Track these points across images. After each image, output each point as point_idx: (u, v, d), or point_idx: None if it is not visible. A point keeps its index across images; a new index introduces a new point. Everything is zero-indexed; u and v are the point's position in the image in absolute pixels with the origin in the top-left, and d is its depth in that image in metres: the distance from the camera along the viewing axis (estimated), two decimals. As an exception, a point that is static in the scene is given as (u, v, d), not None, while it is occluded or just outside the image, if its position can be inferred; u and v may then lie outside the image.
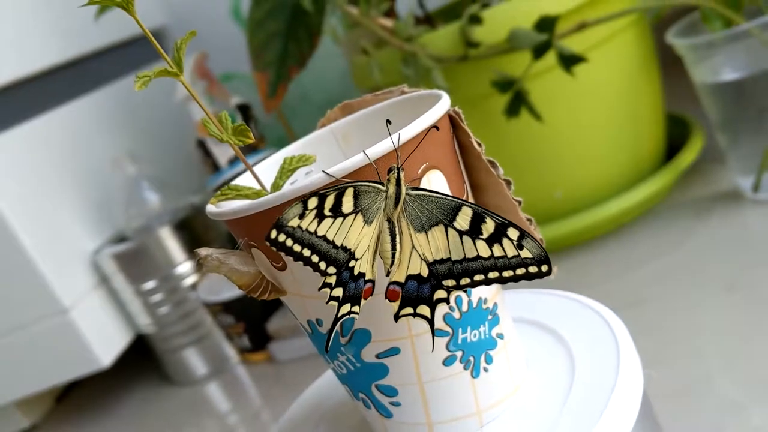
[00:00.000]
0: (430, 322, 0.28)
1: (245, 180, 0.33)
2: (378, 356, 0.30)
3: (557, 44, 0.57)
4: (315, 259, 0.26)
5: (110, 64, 0.91)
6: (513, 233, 0.26)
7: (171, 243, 0.78)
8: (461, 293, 0.30)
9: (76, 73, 0.85)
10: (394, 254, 0.27)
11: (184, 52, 0.29)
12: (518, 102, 0.60)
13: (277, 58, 0.69)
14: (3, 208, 0.69)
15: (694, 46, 0.60)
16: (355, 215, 0.27)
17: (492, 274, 0.27)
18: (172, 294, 0.78)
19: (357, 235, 0.27)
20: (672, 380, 0.47)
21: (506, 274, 0.26)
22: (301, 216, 0.26)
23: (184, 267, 0.78)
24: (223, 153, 0.80)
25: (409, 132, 0.28)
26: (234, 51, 0.91)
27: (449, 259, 0.27)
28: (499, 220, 0.27)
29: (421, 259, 0.27)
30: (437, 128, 0.28)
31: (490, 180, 0.31)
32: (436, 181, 0.29)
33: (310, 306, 0.30)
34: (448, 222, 0.27)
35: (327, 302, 0.26)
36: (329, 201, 0.26)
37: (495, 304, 0.31)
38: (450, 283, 0.27)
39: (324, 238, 0.26)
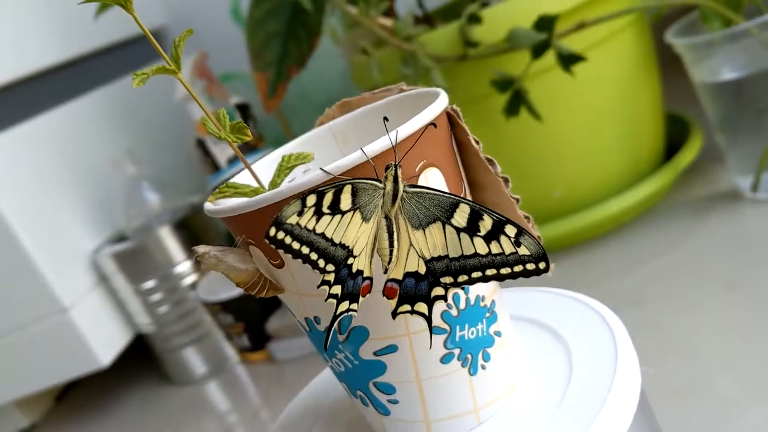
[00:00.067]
0: (428, 319, 0.27)
1: (243, 178, 0.33)
2: (376, 354, 0.30)
3: (556, 44, 0.57)
4: (314, 256, 0.26)
5: (110, 63, 0.91)
6: (510, 230, 0.26)
7: (170, 242, 0.78)
8: (459, 291, 0.30)
9: (76, 72, 0.85)
10: (391, 251, 0.27)
11: (182, 50, 0.29)
12: (517, 101, 0.60)
13: (276, 57, 0.69)
14: (2, 208, 0.69)
15: (693, 45, 0.60)
16: (353, 212, 0.27)
17: (489, 271, 0.27)
18: (172, 293, 0.78)
19: (355, 232, 0.27)
20: (671, 379, 0.47)
21: (504, 271, 0.26)
22: (300, 213, 0.26)
23: (184, 266, 0.78)
24: (222, 152, 0.80)
25: (406, 129, 0.28)
26: (234, 51, 0.91)
27: (447, 256, 0.27)
28: (496, 217, 0.26)
29: (419, 256, 0.27)
30: (435, 125, 0.28)
31: (488, 178, 0.31)
32: (433, 179, 0.29)
33: (308, 303, 0.30)
34: (446, 219, 0.27)
35: (326, 300, 0.26)
36: (327, 198, 0.26)
37: (493, 302, 0.31)
38: (448, 280, 0.27)
39: (322, 235, 0.26)
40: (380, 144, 0.27)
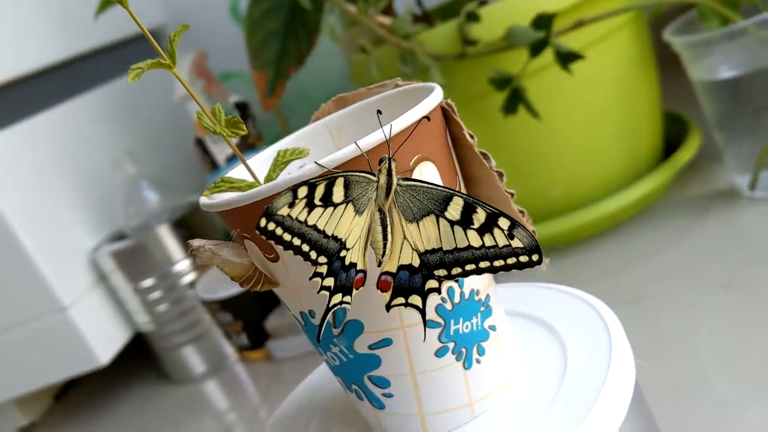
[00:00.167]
0: (422, 312, 0.28)
1: (239, 173, 0.33)
2: (370, 347, 0.30)
3: (554, 42, 0.57)
4: (305, 248, 0.26)
5: (109, 63, 0.91)
6: (504, 223, 0.26)
7: (169, 241, 0.78)
8: (453, 284, 0.30)
9: (76, 71, 0.85)
10: (385, 244, 0.27)
11: (177, 45, 0.29)
12: (516, 99, 0.60)
13: (275, 56, 0.69)
14: (2, 207, 0.69)
15: (691, 44, 0.60)
16: (346, 205, 0.27)
17: (483, 264, 0.27)
18: (171, 292, 0.78)
19: (348, 225, 0.27)
20: (669, 378, 0.46)
21: (497, 263, 0.27)
22: (291, 205, 0.26)
23: (183, 265, 0.79)
24: (221, 151, 0.81)
25: (400, 123, 0.28)
26: (232, 50, 0.91)
27: (440, 249, 0.27)
28: (490, 209, 0.27)
29: (413, 249, 0.27)
30: (428, 119, 0.29)
31: (483, 172, 0.31)
32: (428, 173, 0.29)
33: (302, 297, 0.30)
34: (440, 212, 0.27)
35: (318, 291, 0.26)
36: (319, 190, 0.26)
37: (487, 296, 0.31)
38: (441, 273, 0.27)
39: (314, 227, 0.26)
40: (374, 137, 0.27)
